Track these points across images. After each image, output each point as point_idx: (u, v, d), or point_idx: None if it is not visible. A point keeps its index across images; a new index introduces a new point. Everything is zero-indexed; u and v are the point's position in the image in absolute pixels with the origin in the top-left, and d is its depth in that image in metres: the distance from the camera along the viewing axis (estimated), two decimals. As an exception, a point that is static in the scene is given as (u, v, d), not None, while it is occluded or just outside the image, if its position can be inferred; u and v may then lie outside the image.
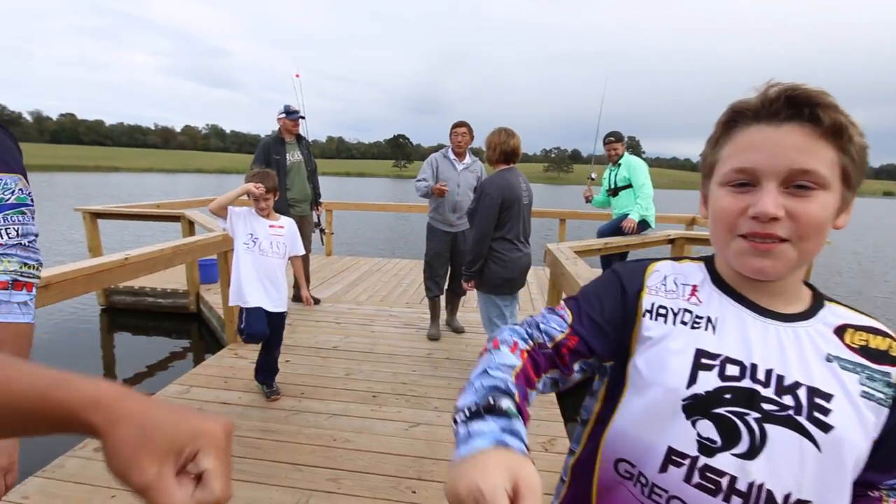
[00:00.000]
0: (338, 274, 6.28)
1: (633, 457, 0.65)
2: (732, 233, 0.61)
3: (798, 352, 0.60)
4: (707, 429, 0.59)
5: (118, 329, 5.51)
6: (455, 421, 0.54)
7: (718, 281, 0.68)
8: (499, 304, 2.89)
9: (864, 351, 0.60)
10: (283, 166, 4.24)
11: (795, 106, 0.56)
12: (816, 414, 0.57)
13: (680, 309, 0.67)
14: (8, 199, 0.89)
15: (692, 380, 0.61)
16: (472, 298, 4.92)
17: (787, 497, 0.56)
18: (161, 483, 0.35)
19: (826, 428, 0.56)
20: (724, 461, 0.58)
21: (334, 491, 2.10)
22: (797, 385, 0.58)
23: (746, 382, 0.60)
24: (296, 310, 4.26)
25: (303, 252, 2.83)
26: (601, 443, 0.70)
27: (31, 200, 0.95)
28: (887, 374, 0.59)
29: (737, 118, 0.61)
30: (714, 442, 0.59)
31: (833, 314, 0.64)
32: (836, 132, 0.55)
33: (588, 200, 4.89)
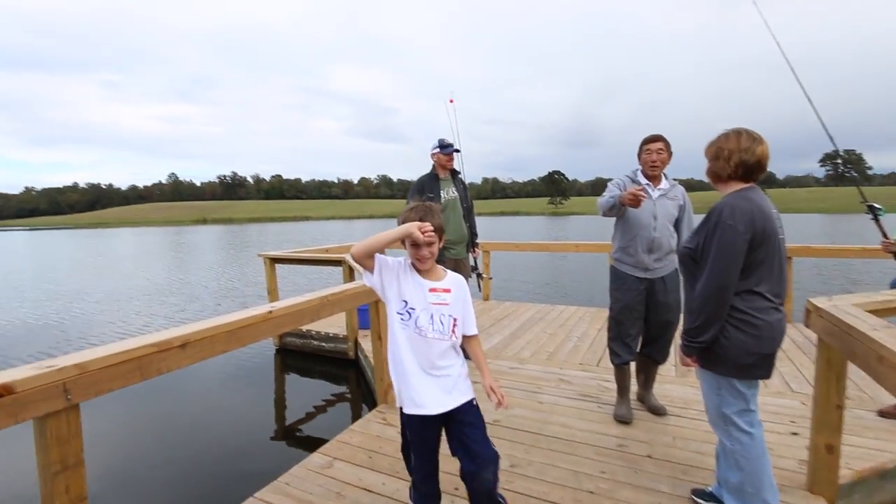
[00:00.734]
0: (496, 323, 5.66)
1: None
2: None
3: None
4: None
5: (289, 370, 5.70)
6: None
7: None
8: (743, 392, 1.88)
9: None
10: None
11: None
12: None
13: None
14: None
15: None
16: (670, 365, 3.81)
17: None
18: None
19: None
20: None
21: None
22: None
23: None
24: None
25: (475, 331, 1.90)
26: None
27: None
28: None
29: None
30: None
31: None
32: None
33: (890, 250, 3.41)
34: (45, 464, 1.44)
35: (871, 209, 3.32)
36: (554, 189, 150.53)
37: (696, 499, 2.17)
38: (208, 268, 17.68)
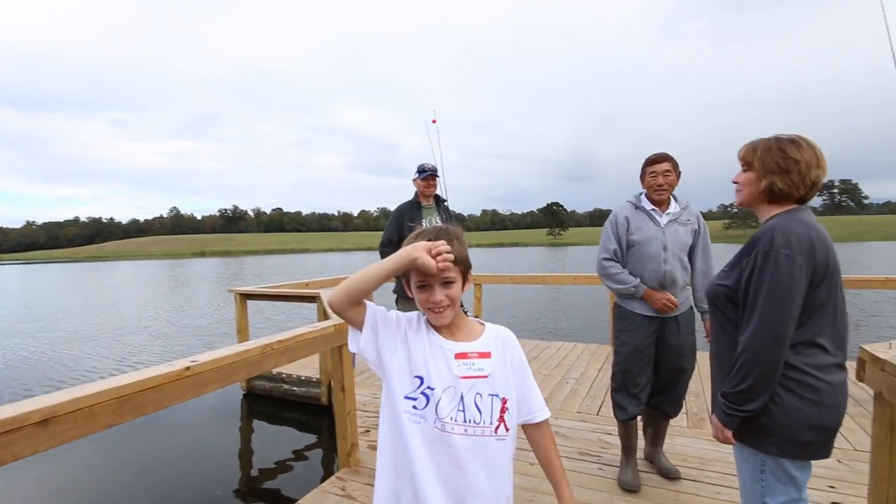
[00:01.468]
0: (486, 362, 5.17)
1: None
2: None
3: None
4: None
5: (256, 416, 5.17)
6: None
7: None
8: (795, 476, 1.41)
9: None
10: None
11: None
12: None
13: None
14: None
15: None
16: (682, 413, 3.32)
17: None
18: None
19: None
20: None
21: None
22: None
23: None
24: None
25: (545, 413, 1.25)
26: None
27: None
28: None
29: None
30: None
31: None
32: None
33: None
34: None
35: None
36: (552, 220, 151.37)
37: None
38: (185, 303, 17.11)
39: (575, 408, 3.73)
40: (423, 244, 1.10)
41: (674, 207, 2.51)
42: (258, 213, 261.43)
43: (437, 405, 1.12)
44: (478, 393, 1.14)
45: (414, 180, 3.74)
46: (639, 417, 2.61)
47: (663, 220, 2.47)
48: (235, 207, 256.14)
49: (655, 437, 2.69)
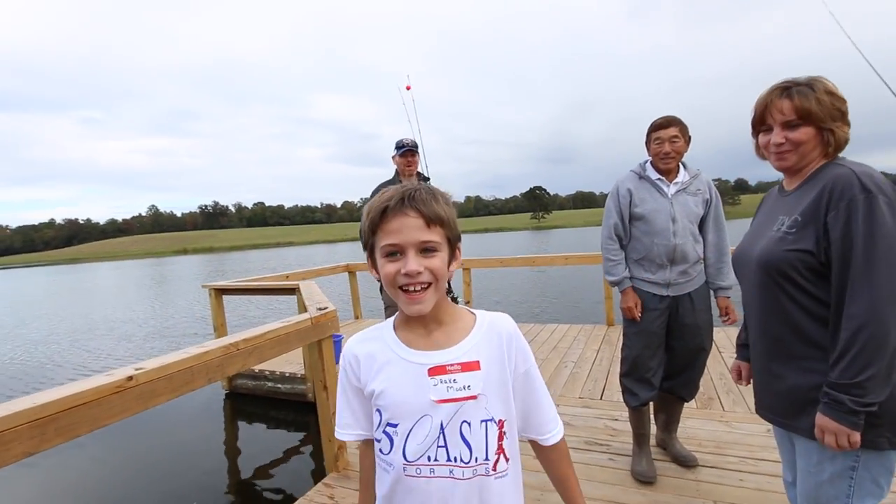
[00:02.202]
0: (480, 348, 4.94)
1: None
2: None
3: None
4: None
5: (241, 416, 4.89)
6: None
7: None
8: (892, 472, 1.16)
9: None
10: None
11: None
12: None
13: None
14: None
15: None
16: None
17: None
18: None
19: None
20: None
21: None
22: None
23: None
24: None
25: (558, 432, 0.96)
26: None
27: None
28: None
29: None
30: None
31: None
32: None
33: None
34: None
35: None
36: (536, 204, 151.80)
37: None
38: (158, 302, 16.57)
39: (576, 393, 3.51)
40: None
41: (682, 176, 2.25)
42: (240, 208, 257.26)
43: (403, 445, 0.84)
44: (464, 421, 0.83)
45: (393, 157, 3.44)
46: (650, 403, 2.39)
47: (671, 189, 2.22)
48: (216, 203, 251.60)
49: (669, 422, 2.48)
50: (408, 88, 3.31)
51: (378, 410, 0.87)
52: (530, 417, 0.93)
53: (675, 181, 2.23)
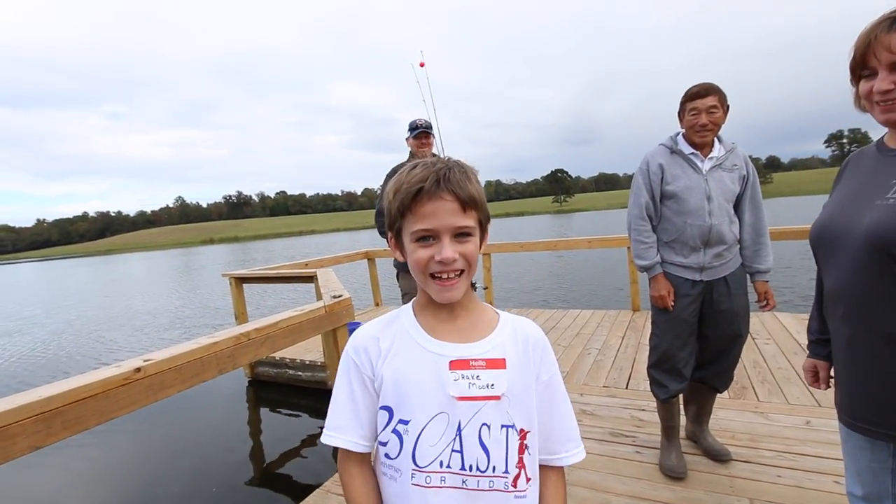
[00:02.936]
0: (500, 335, 4.85)
1: None
2: None
3: None
4: None
5: (263, 403, 4.94)
6: None
7: None
8: None
9: None
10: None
11: None
12: None
13: None
14: None
15: None
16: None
17: None
18: None
19: None
20: None
21: None
22: None
23: None
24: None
25: (580, 454, 0.85)
26: None
27: None
28: None
29: None
30: None
31: None
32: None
33: None
34: None
35: None
36: (557, 187, 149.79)
37: None
38: (180, 291, 16.95)
39: (601, 382, 3.40)
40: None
41: (717, 150, 2.08)
42: (263, 197, 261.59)
43: (414, 448, 0.74)
44: (484, 423, 0.75)
45: (406, 139, 3.34)
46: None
47: (705, 165, 2.06)
48: (240, 193, 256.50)
49: (700, 414, 2.35)
50: (421, 65, 3.18)
51: (387, 409, 0.78)
52: (550, 432, 0.83)
53: (710, 156, 2.07)
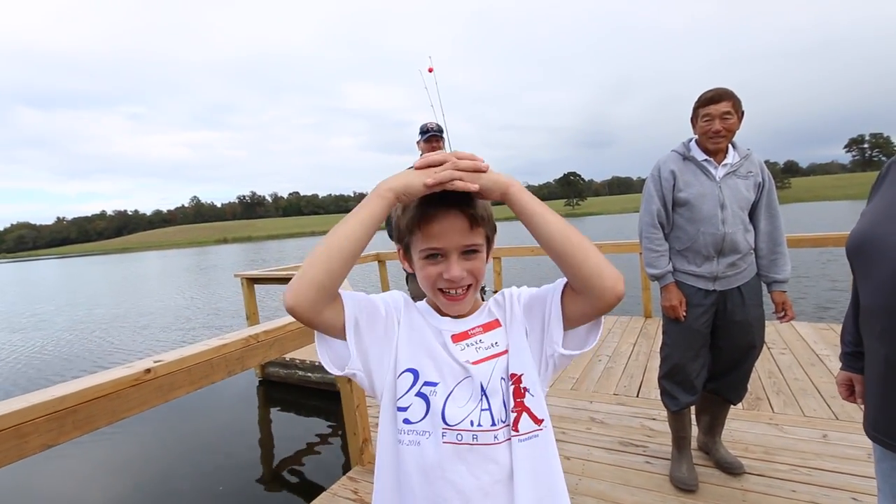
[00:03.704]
0: (510, 340, 4.83)
1: None
2: None
3: None
4: None
5: (273, 404, 4.97)
6: None
7: None
8: None
9: None
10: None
11: None
12: None
13: None
14: None
15: None
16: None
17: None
18: None
19: None
20: None
21: None
22: None
23: None
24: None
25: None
26: None
27: None
28: None
29: None
30: None
31: None
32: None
33: None
34: None
35: None
36: (570, 190, 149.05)
37: None
38: (188, 291, 17.09)
39: (611, 389, 3.36)
40: (423, 160, 0.74)
41: (732, 157, 2.05)
42: (276, 197, 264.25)
43: (443, 409, 0.75)
44: (502, 378, 0.79)
45: (417, 143, 3.34)
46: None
47: (719, 172, 2.03)
48: (253, 193, 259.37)
49: (713, 425, 2.31)
50: (430, 70, 3.17)
51: (412, 371, 0.78)
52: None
53: (723, 163, 2.04)
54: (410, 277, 3.36)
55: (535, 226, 0.75)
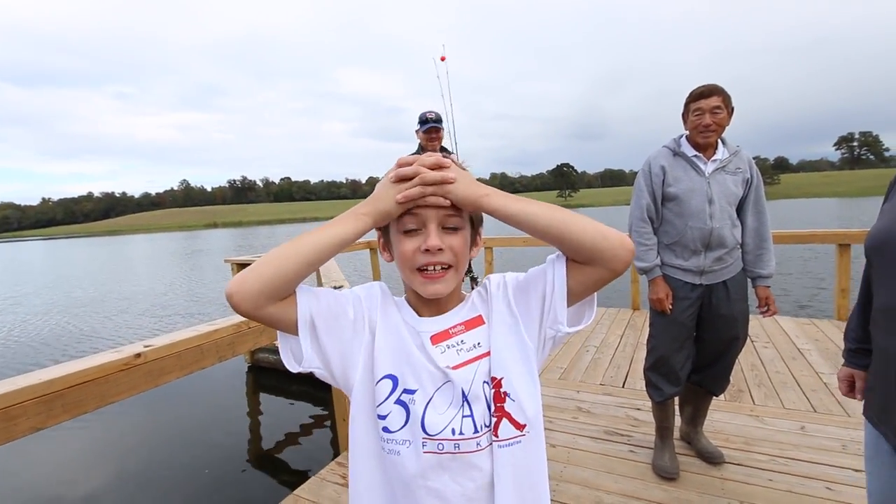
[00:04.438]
0: (499, 330, 4.87)
1: None
2: None
3: None
4: None
5: (262, 390, 4.99)
6: None
7: None
8: None
9: None
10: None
11: None
12: None
13: None
14: None
15: None
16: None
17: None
18: None
19: None
20: None
21: None
22: None
23: None
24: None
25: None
26: None
27: None
28: None
29: None
30: None
31: None
32: None
33: None
34: None
35: None
36: (563, 182, 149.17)
37: None
38: (172, 276, 16.95)
39: (598, 380, 3.41)
40: (395, 174, 0.73)
41: (721, 153, 2.08)
42: (267, 183, 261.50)
43: (423, 417, 0.72)
44: (484, 381, 0.75)
45: (417, 132, 3.33)
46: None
47: (708, 168, 2.05)
48: (244, 178, 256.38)
49: (695, 415, 2.36)
50: (442, 59, 3.14)
51: (391, 378, 0.75)
52: (523, 384, 0.76)
53: (713, 158, 2.06)
54: None
55: (522, 225, 0.73)
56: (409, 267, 0.76)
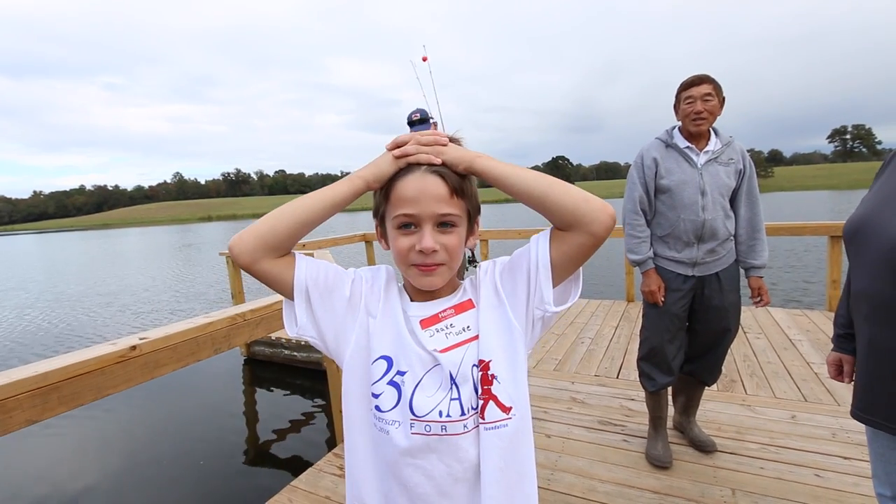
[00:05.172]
0: (495, 322, 4.89)
1: None
2: None
3: None
4: None
5: (258, 382, 4.99)
6: None
7: None
8: None
9: None
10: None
11: None
12: None
13: None
14: None
15: None
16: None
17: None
18: None
19: None
20: None
21: None
22: None
23: None
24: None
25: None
26: None
27: None
28: None
29: None
30: None
31: None
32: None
33: None
34: None
35: None
36: (558, 174, 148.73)
37: None
38: (169, 270, 16.84)
39: (592, 371, 3.44)
40: (393, 141, 0.77)
41: (714, 144, 2.08)
42: (261, 175, 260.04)
43: (411, 398, 0.74)
44: (473, 364, 0.76)
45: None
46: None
47: (700, 159, 2.06)
48: (238, 171, 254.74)
49: (688, 405, 2.39)
50: (424, 60, 3.11)
51: (386, 359, 0.77)
52: (513, 370, 0.77)
53: (705, 149, 2.07)
54: None
55: (510, 185, 0.74)
56: (404, 262, 0.78)
